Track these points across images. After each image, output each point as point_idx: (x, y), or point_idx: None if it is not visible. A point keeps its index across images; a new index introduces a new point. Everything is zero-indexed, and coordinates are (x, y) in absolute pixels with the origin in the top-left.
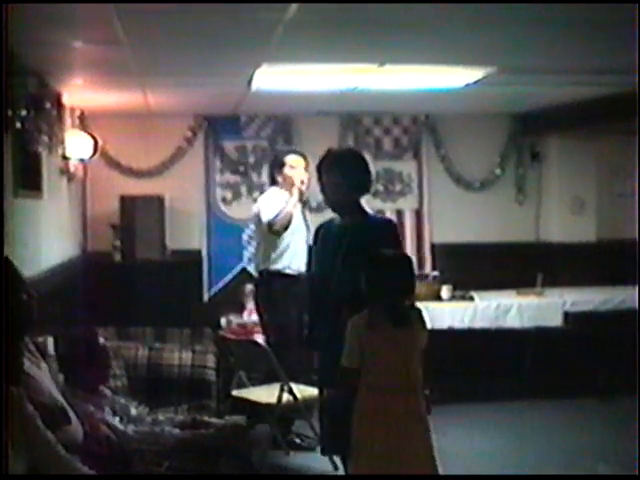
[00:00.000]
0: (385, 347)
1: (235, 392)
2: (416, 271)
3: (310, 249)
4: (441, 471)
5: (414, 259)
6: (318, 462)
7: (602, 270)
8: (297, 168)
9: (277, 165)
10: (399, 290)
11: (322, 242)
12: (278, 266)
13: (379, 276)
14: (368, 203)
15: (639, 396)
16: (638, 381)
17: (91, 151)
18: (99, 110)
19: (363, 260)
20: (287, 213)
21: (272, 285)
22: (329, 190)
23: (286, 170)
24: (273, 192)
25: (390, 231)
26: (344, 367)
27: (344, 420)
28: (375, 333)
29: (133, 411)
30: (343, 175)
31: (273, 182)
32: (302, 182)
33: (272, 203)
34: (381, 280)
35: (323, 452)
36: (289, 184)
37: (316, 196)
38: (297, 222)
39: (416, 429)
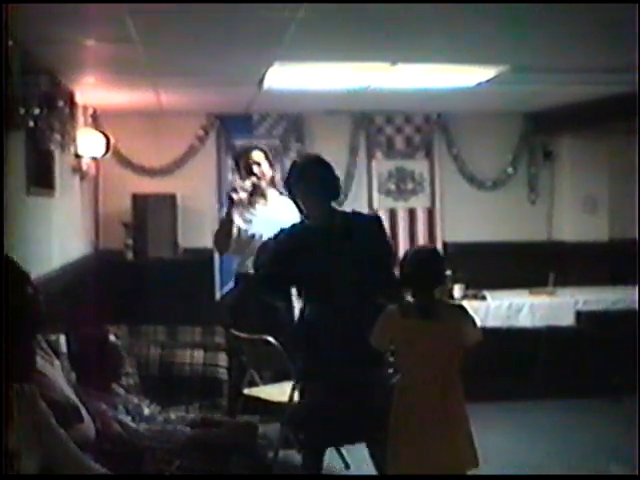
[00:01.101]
0: (416, 337)
1: (247, 391)
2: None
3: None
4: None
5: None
6: (330, 460)
7: (614, 269)
8: (258, 161)
9: (239, 157)
10: (426, 282)
11: (306, 247)
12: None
13: (409, 269)
14: (381, 202)
15: (639, 396)
16: (638, 381)
17: (103, 149)
18: (112, 108)
19: (365, 257)
20: (222, 225)
21: (245, 290)
22: (304, 199)
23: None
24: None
25: (379, 225)
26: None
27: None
28: (407, 322)
29: (145, 409)
30: (317, 182)
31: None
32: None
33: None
34: (411, 273)
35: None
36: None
37: None
38: (263, 218)
39: (451, 420)
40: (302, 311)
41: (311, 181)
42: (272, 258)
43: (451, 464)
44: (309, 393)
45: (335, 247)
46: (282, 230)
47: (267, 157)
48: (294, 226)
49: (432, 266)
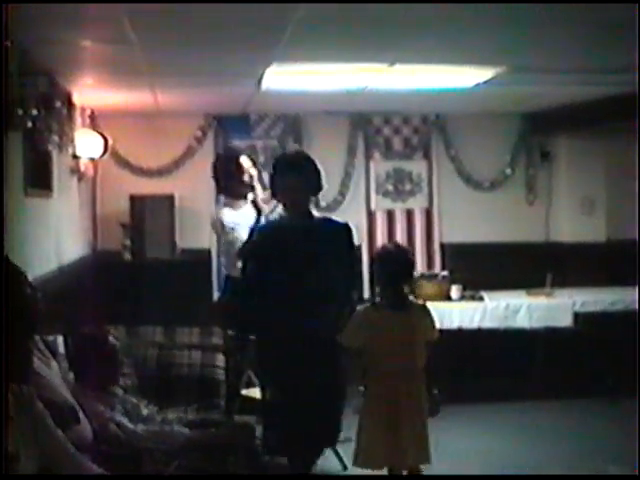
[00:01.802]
0: (387, 327)
1: (244, 391)
2: (426, 270)
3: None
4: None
5: (424, 259)
6: (326, 460)
7: (612, 270)
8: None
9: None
10: (395, 278)
11: (279, 244)
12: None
13: (378, 265)
14: (379, 203)
15: (639, 396)
16: (638, 381)
17: (101, 150)
18: (109, 109)
19: (337, 258)
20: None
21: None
22: (288, 192)
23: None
24: None
25: (349, 233)
26: (341, 344)
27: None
28: (379, 314)
29: (143, 410)
30: (301, 176)
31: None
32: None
33: None
34: (380, 269)
35: (268, 452)
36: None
37: (326, 196)
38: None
39: (414, 412)
40: (267, 308)
41: (297, 175)
42: (256, 268)
43: (418, 455)
44: (272, 400)
45: (309, 247)
46: (261, 229)
47: (253, 161)
48: (272, 224)
49: (399, 263)
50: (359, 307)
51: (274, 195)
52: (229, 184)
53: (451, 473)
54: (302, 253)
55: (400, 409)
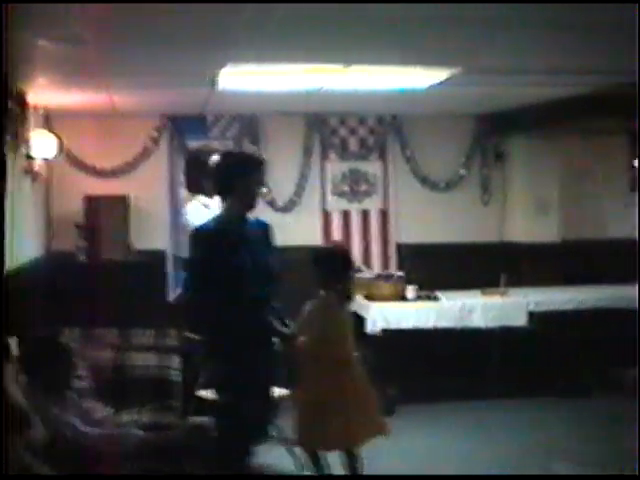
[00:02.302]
0: (338, 321)
1: (200, 392)
2: (382, 271)
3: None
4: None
5: (380, 259)
6: (286, 459)
7: (566, 270)
8: None
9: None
10: (345, 275)
11: (226, 244)
12: None
13: (314, 264)
14: (334, 203)
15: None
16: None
17: (55, 151)
18: (64, 110)
19: (263, 257)
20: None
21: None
22: (245, 192)
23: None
24: None
25: (272, 231)
26: (295, 336)
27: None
28: (330, 310)
29: (98, 413)
30: (261, 178)
31: None
32: None
33: None
34: (334, 268)
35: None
36: None
37: (282, 196)
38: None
39: (346, 395)
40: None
41: (259, 176)
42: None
43: (345, 436)
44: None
45: (247, 244)
46: (210, 229)
47: None
48: (219, 224)
49: (334, 262)
50: (308, 302)
51: (228, 194)
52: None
53: (405, 472)
54: (249, 249)
55: (328, 393)
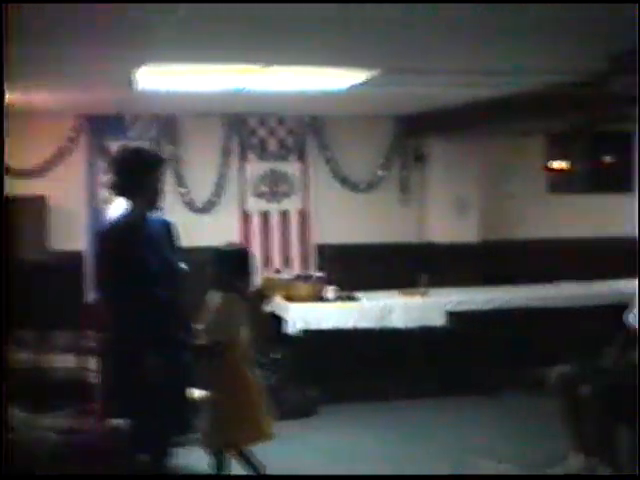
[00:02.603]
0: (247, 319)
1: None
2: (301, 271)
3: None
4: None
5: (300, 260)
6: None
7: (485, 270)
8: None
9: None
10: (244, 275)
11: (148, 240)
12: None
13: (230, 265)
14: (254, 204)
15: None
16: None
17: None
18: None
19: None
20: None
21: None
22: (153, 190)
23: None
24: None
25: (175, 228)
26: (217, 341)
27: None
28: (243, 309)
29: (15, 417)
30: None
31: None
32: None
33: None
34: (242, 268)
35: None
36: None
37: (200, 197)
38: None
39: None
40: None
41: (160, 174)
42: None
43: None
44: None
45: (151, 243)
46: (114, 230)
47: None
48: (121, 224)
49: (233, 262)
50: (225, 301)
51: (130, 193)
52: None
53: (323, 472)
54: (153, 249)
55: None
